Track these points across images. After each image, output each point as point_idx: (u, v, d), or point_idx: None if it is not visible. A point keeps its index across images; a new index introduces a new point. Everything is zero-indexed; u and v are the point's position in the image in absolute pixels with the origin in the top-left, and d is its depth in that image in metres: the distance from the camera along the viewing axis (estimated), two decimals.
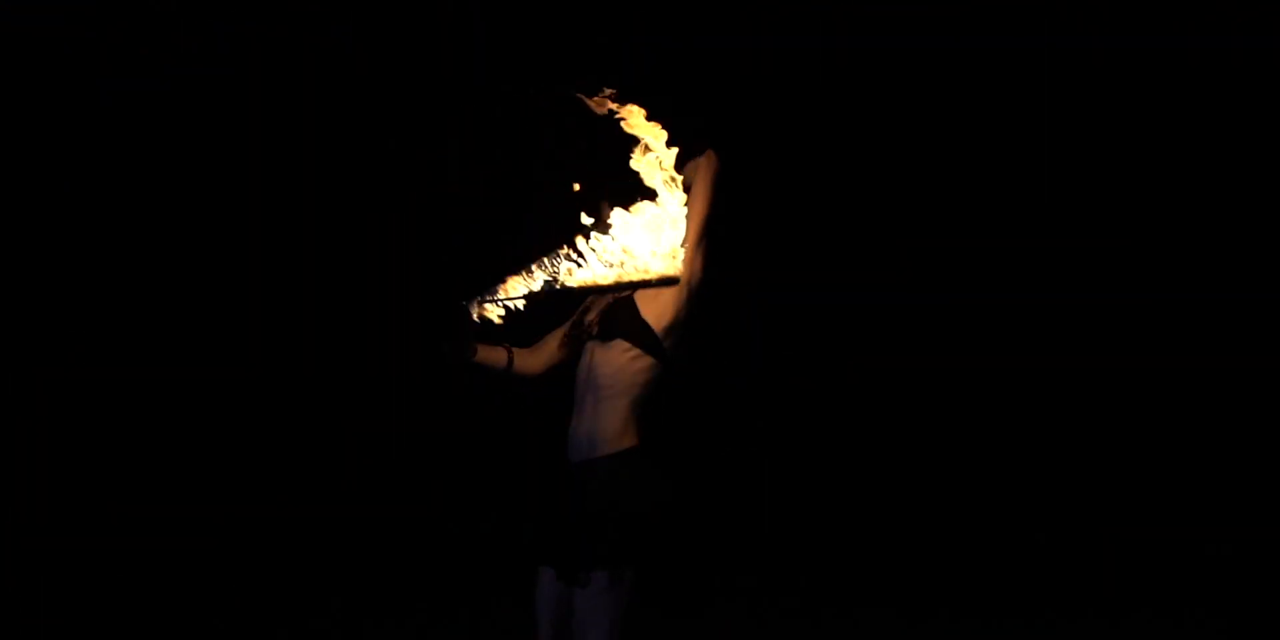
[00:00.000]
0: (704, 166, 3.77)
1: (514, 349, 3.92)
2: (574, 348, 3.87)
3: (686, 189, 3.79)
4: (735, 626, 6.07)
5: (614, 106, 3.74)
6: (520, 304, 3.77)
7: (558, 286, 3.69)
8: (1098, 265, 7.32)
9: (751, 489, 7.37)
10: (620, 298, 3.82)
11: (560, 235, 3.89)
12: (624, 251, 3.73)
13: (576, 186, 3.81)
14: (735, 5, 7.06)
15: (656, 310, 3.76)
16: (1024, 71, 7.29)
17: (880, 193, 7.32)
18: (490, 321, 3.77)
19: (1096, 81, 7.29)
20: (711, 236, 3.78)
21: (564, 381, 3.90)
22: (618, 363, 3.75)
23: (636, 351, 3.74)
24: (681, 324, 3.78)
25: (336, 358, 7.02)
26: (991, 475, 7.34)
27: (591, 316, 3.86)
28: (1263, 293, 7.20)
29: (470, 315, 3.78)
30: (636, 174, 3.81)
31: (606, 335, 3.77)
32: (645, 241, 3.74)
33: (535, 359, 3.97)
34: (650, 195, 3.80)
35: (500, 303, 3.75)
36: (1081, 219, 7.32)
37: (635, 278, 3.71)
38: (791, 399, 7.39)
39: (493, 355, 3.91)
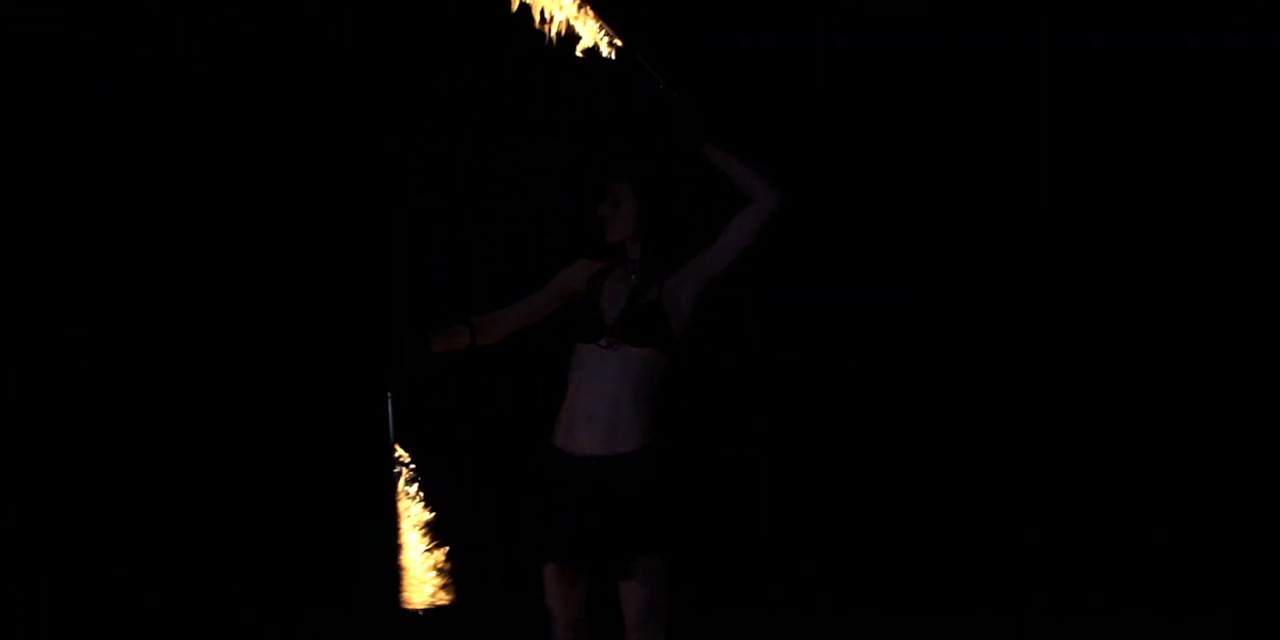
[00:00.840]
0: (768, 205, 3.76)
1: (475, 324, 3.90)
2: (585, 340, 3.84)
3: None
4: (734, 626, 6.07)
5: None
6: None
7: None
8: (1097, 265, 7.31)
9: (751, 489, 7.36)
10: (644, 303, 3.81)
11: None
12: None
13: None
14: (735, 5, 7.06)
15: (679, 317, 3.80)
16: (1024, 71, 7.29)
17: (880, 193, 7.31)
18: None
19: (1096, 81, 7.29)
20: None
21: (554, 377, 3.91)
22: (646, 364, 3.77)
23: (660, 354, 3.78)
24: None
25: (336, 358, 7.01)
26: (991, 475, 7.34)
27: (613, 316, 3.81)
28: (1263, 293, 7.20)
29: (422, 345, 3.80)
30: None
31: (638, 341, 3.77)
32: None
33: (497, 331, 3.94)
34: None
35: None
36: (1081, 219, 7.31)
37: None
38: (791, 399, 7.39)
39: (453, 342, 3.89)
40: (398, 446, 3.75)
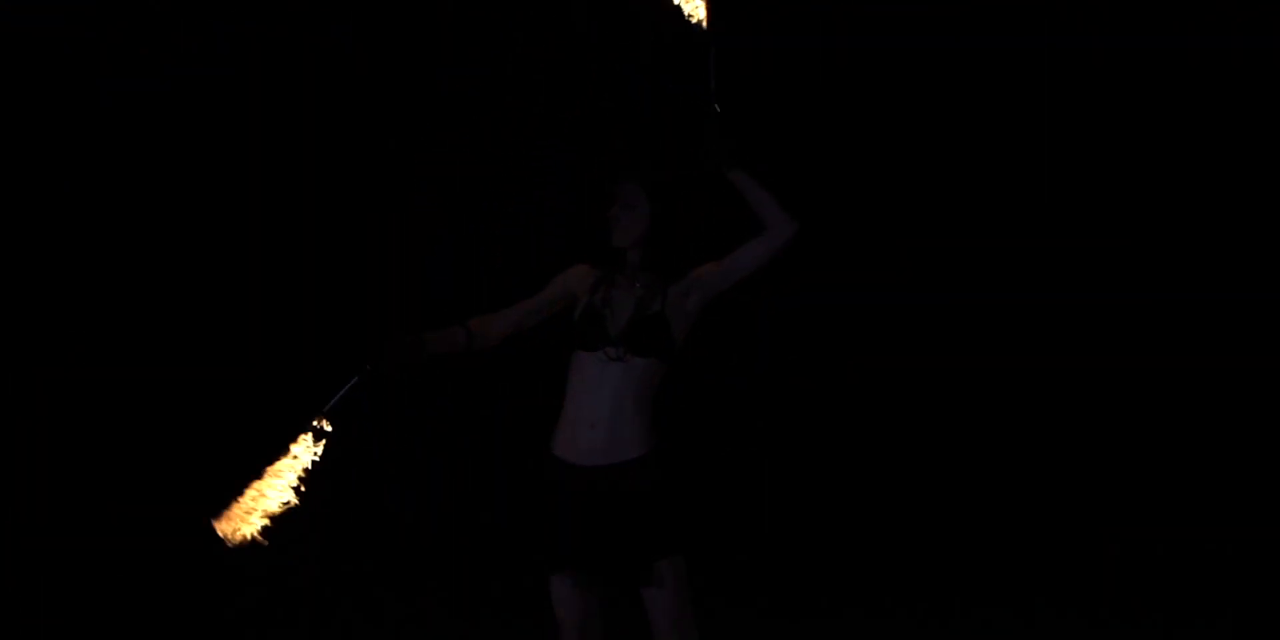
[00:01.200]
0: (783, 236, 3.78)
1: (472, 326, 3.89)
2: (588, 349, 3.83)
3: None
4: (734, 626, 6.06)
5: None
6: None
7: None
8: (1097, 265, 7.32)
9: (752, 489, 7.36)
10: (649, 313, 3.80)
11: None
12: None
13: None
14: (736, 5, 7.05)
15: (682, 327, 3.80)
16: (1024, 71, 7.29)
17: (880, 193, 7.31)
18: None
19: (1097, 81, 7.29)
20: None
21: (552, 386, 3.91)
22: (649, 373, 3.78)
23: (661, 363, 3.78)
24: None
25: (336, 358, 7.00)
26: (992, 475, 7.34)
27: (618, 326, 3.80)
28: (1262, 292, 7.20)
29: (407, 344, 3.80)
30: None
31: (642, 352, 3.77)
32: None
33: (494, 333, 3.92)
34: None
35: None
36: (1081, 219, 7.31)
37: None
38: (792, 399, 7.39)
39: (449, 343, 3.88)
40: (325, 419, 3.77)
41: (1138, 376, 7.27)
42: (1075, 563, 6.94)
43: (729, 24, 7.03)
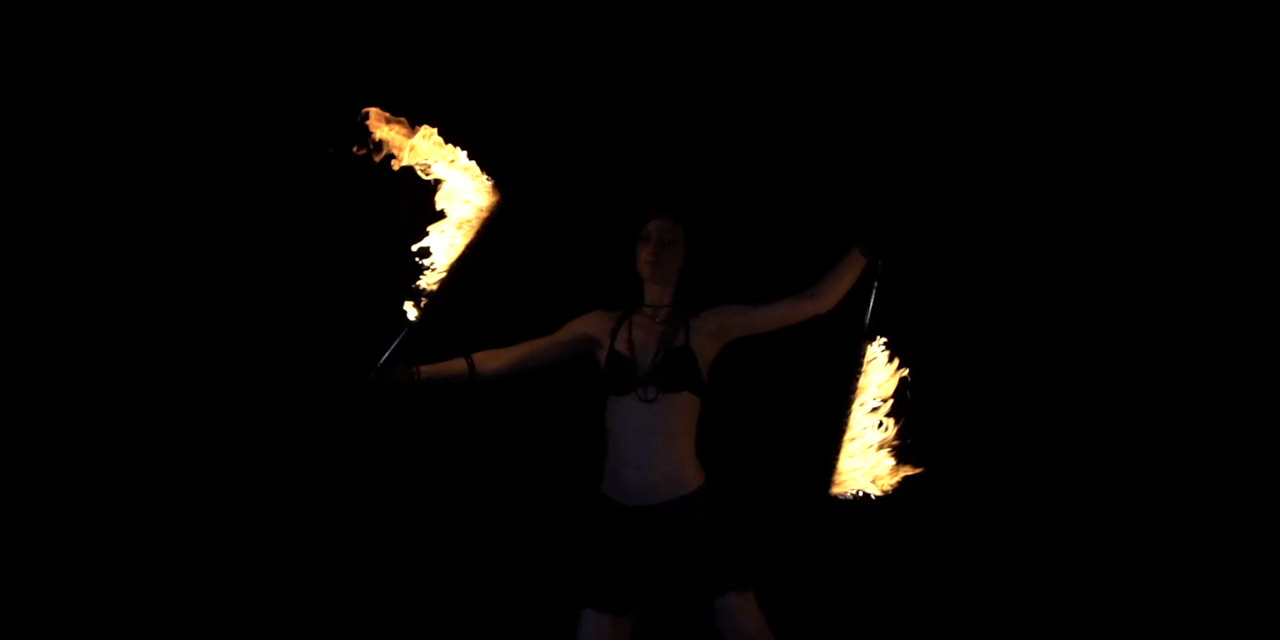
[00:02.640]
0: (821, 310, 3.83)
1: (477, 360, 3.91)
2: (618, 393, 3.84)
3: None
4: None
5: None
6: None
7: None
8: (1105, 268, 7.30)
9: (756, 489, 7.37)
10: (675, 348, 3.83)
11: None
12: None
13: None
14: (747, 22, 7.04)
15: (707, 360, 3.82)
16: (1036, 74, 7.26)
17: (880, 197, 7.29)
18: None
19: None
20: None
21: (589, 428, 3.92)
22: (684, 410, 3.80)
23: (694, 397, 3.80)
24: None
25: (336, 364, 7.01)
26: (993, 475, 7.34)
27: (645, 365, 3.82)
28: (1261, 301, 7.18)
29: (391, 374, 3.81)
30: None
31: (673, 387, 3.79)
32: None
33: (499, 369, 3.93)
34: None
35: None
36: (1079, 222, 7.30)
37: None
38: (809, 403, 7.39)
39: (447, 372, 3.89)
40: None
41: (1141, 378, 7.27)
42: (1076, 562, 6.95)
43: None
